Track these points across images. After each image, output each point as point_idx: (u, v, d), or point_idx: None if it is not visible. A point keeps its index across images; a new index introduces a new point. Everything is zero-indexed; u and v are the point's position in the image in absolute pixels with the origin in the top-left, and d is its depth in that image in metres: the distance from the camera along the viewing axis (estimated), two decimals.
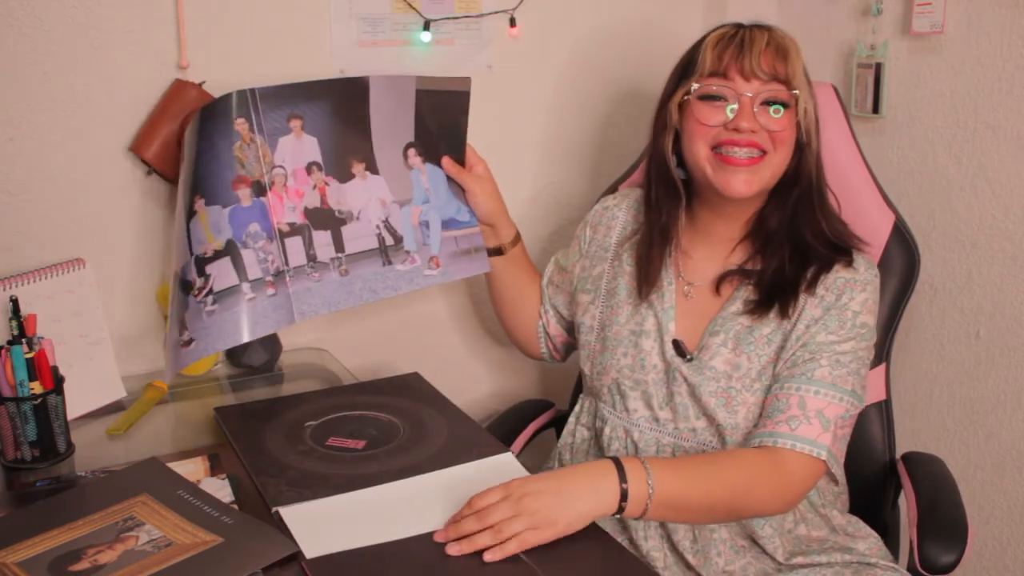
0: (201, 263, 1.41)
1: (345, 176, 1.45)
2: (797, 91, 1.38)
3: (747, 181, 1.39)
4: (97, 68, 1.64)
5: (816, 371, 1.36)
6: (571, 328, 1.69)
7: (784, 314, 1.40)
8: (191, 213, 1.42)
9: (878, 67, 1.90)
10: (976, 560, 1.88)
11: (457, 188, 1.62)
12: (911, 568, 1.44)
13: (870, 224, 1.69)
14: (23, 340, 1.41)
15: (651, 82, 1.49)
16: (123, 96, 1.67)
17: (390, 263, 1.46)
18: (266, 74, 1.78)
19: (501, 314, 1.77)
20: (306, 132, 1.40)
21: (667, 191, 1.50)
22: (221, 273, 1.42)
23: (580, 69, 2.08)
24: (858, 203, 1.70)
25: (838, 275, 1.40)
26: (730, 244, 1.49)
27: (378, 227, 1.47)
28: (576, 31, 2.06)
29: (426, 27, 1.89)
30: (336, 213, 1.46)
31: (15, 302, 1.43)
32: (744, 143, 1.38)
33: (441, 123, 1.57)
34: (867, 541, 1.49)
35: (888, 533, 1.66)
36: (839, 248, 1.43)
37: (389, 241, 1.47)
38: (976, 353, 1.83)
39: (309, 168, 1.44)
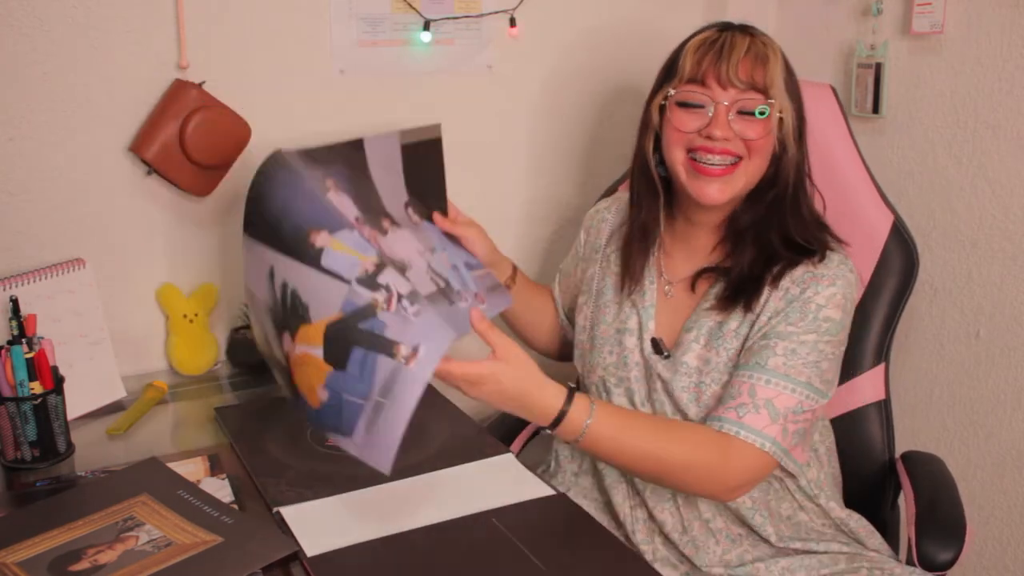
0: (368, 281, 1.21)
1: (382, 230, 1.35)
2: (773, 100, 1.37)
3: (720, 190, 1.40)
4: (97, 68, 1.64)
5: (770, 359, 1.35)
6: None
7: (748, 308, 1.40)
8: (316, 253, 1.21)
9: (878, 67, 1.90)
10: (976, 560, 1.88)
11: (452, 237, 1.54)
12: (909, 565, 1.44)
13: (869, 224, 1.69)
14: (23, 340, 1.41)
15: (650, 82, 1.49)
16: (123, 96, 1.67)
17: (452, 303, 1.35)
18: (266, 74, 1.78)
19: (529, 338, 1.79)
20: (340, 191, 1.32)
21: (647, 189, 1.51)
22: (396, 281, 1.22)
23: (580, 69, 2.08)
24: (856, 203, 1.70)
25: (806, 270, 1.40)
26: (707, 244, 1.50)
27: (428, 272, 1.36)
28: (576, 31, 2.06)
29: (426, 27, 1.89)
30: (395, 261, 1.32)
31: (15, 302, 1.43)
32: (718, 151, 1.38)
33: (424, 177, 1.51)
34: (869, 536, 1.50)
35: (888, 532, 1.66)
36: (806, 248, 1.42)
37: (441, 284, 1.37)
38: (976, 353, 1.83)
39: (357, 221, 1.31)
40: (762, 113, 1.37)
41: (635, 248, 1.53)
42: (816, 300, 1.37)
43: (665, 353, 1.46)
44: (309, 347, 1.17)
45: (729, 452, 1.32)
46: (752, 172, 1.40)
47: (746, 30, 1.41)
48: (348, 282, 1.18)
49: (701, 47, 1.40)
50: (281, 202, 1.23)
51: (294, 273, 1.21)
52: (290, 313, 1.20)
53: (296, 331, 1.19)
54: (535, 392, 1.28)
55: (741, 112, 1.37)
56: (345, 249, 1.20)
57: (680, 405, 1.43)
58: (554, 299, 1.76)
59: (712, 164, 1.38)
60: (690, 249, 1.51)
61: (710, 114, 1.37)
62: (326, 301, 1.19)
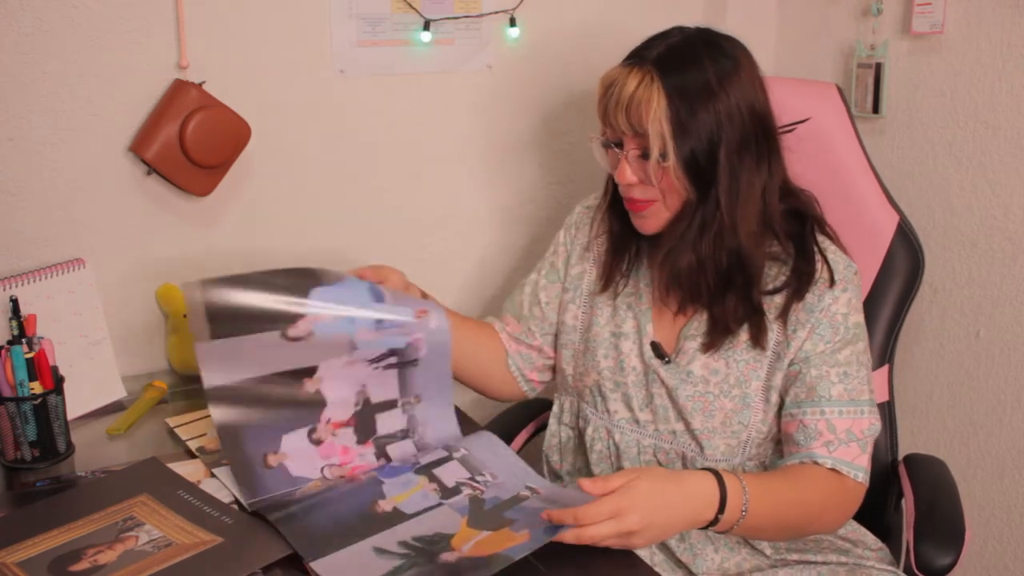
0: (452, 493, 1.32)
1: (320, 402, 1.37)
2: (649, 146, 1.32)
3: (647, 224, 1.40)
4: (97, 68, 1.64)
5: (832, 390, 1.36)
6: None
7: (759, 344, 1.39)
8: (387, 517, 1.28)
9: (878, 67, 1.90)
10: (976, 560, 1.88)
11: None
12: (907, 570, 1.44)
13: (874, 225, 1.69)
14: (23, 340, 1.41)
15: None
16: (123, 96, 1.67)
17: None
18: (266, 74, 1.78)
19: (467, 377, 1.64)
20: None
21: (613, 203, 1.50)
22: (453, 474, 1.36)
23: (580, 69, 2.08)
24: (862, 203, 1.70)
25: (820, 279, 1.39)
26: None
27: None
28: (576, 31, 2.06)
29: (426, 27, 1.89)
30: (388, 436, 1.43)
31: (15, 302, 1.43)
32: (630, 196, 1.39)
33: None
34: (867, 544, 1.50)
35: (891, 536, 1.66)
36: (810, 269, 1.39)
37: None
38: (976, 353, 1.83)
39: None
40: (655, 157, 1.33)
41: (613, 258, 1.52)
42: (839, 310, 1.38)
43: (667, 358, 1.46)
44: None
45: (843, 488, 1.35)
46: (670, 209, 1.38)
47: (644, 62, 1.35)
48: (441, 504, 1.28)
49: (603, 89, 1.39)
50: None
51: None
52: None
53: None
54: (682, 492, 1.22)
55: (641, 155, 1.35)
56: (405, 495, 1.28)
57: (684, 413, 1.43)
58: (502, 341, 1.65)
59: (633, 203, 1.40)
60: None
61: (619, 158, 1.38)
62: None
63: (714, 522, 1.23)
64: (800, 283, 1.38)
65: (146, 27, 1.66)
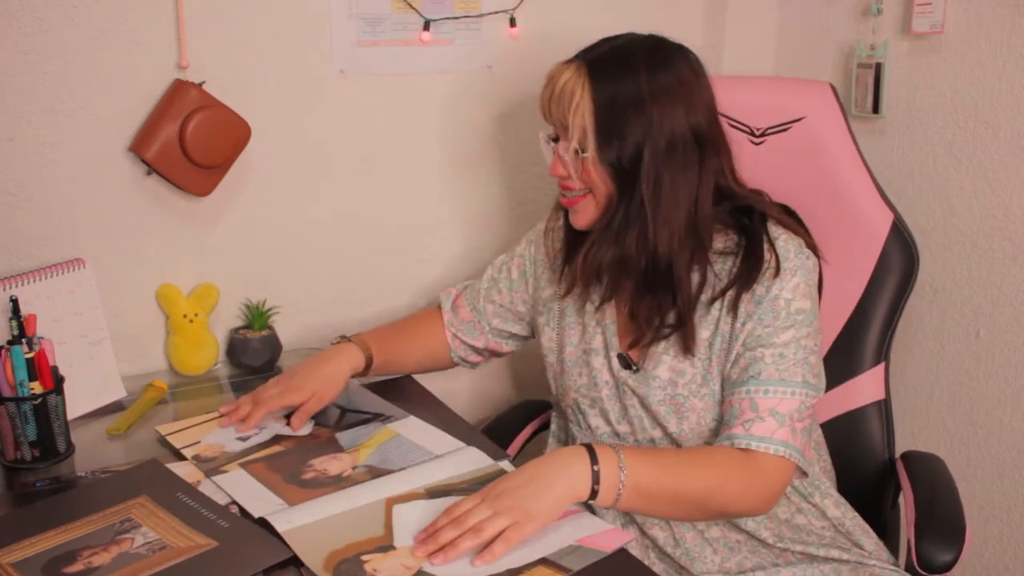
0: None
1: None
2: (569, 141, 1.37)
3: (578, 219, 1.43)
4: (97, 68, 1.64)
5: (762, 371, 1.35)
6: (516, 334, 1.69)
7: (687, 350, 1.40)
8: None
9: (878, 67, 1.89)
10: (976, 560, 1.88)
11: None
12: (909, 567, 1.44)
13: (868, 223, 1.69)
14: (23, 340, 1.41)
15: None
16: (123, 96, 1.67)
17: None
18: (266, 74, 1.78)
19: (432, 368, 1.75)
20: None
21: (555, 208, 1.54)
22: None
23: None
24: (856, 202, 1.70)
25: (769, 267, 1.38)
26: None
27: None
28: (576, 31, 2.05)
29: (426, 27, 1.89)
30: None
31: (15, 302, 1.44)
32: (564, 187, 1.42)
33: None
34: (868, 539, 1.50)
35: (888, 532, 1.66)
36: (756, 259, 1.39)
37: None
38: (976, 353, 1.83)
39: None
40: (573, 147, 1.37)
41: (566, 256, 1.52)
42: (783, 295, 1.36)
43: (634, 367, 1.46)
44: None
45: (752, 464, 1.32)
46: (599, 202, 1.39)
47: (581, 60, 1.40)
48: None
49: (544, 82, 1.44)
50: None
51: None
52: None
53: None
54: (546, 459, 1.28)
55: (575, 149, 1.37)
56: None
57: (659, 419, 1.43)
58: (443, 319, 1.71)
59: (567, 197, 1.42)
60: None
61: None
62: None
63: (594, 495, 1.24)
64: (749, 274, 1.38)
65: (146, 27, 1.66)
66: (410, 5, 1.87)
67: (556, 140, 1.43)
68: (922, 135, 1.86)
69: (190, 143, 1.65)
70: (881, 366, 1.72)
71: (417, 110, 1.94)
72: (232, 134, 1.70)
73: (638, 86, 1.33)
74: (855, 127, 1.76)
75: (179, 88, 1.67)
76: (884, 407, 1.72)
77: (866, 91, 1.92)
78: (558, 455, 1.27)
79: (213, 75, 1.71)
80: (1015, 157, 1.70)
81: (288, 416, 1.53)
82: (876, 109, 1.91)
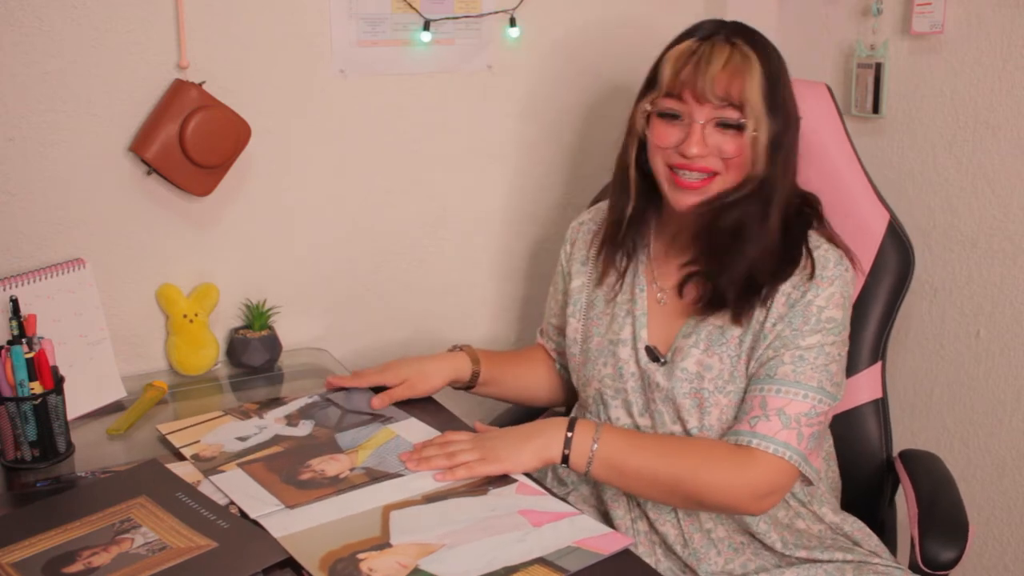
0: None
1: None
2: (746, 118, 1.35)
3: (695, 200, 1.40)
4: (97, 68, 1.65)
5: (778, 369, 1.35)
6: None
7: (736, 320, 1.40)
8: None
9: (878, 67, 1.89)
10: (976, 560, 1.88)
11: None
12: (912, 565, 1.44)
13: (864, 224, 1.69)
14: (23, 340, 1.41)
15: None
16: (123, 96, 1.67)
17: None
18: (266, 74, 1.78)
19: (529, 402, 1.79)
20: None
21: (622, 190, 1.50)
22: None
23: (580, 69, 2.08)
24: (852, 202, 1.70)
25: (801, 277, 1.39)
26: (690, 247, 1.47)
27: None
28: (577, 31, 2.06)
29: (426, 27, 1.89)
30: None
31: (15, 302, 1.44)
32: (695, 168, 1.38)
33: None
34: (868, 540, 1.50)
35: (885, 530, 1.66)
36: (791, 258, 1.41)
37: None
38: (976, 353, 1.83)
39: None
40: (739, 128, 1.36)
41: (606, 247, 1.52)
42: (816, 302, 1.37)
43: (662, 360, 1.46)
44: None
45: (747, 463, 1.32)
46: (728, 184, 1.39)
47: (732, 35, 1.39)
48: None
49: (680, 58, 1.39)
50: None
51: None
52: None
53: None
54: (535, 423, 1.41)
55: (720, 125, 1.36)
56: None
57: (681, 413, 1.42)
58: (548, 352, 1.74)
59: (689, 179, 1.39)
60: (676, 254, 1.50)
61: (687, 128, 1.38)
62: None
63: (565, 459, 1.35)
64: (782, 272, 1.39)
65: (146, 27, 1.67)
66: (410, 5, 1.87)
67: (677, 117, 1.39)
68: (922, 135, 1.86)
69: (190, 143, 1.65)
70: (877, 365, 1.72)
71: (417, 110, 1.94)
72: (232, 134, 1.70)
73: (781, 62, 1.42)
74: (855, 127, 1.76)
75: (179, 88, 1.67)
76: (881, 406, 1.72)
77: (866, 91, 1.92)
78: (545, 420, 1.41)
79: (213, 75, 1.71)
80: (1015, 157, 1.70)
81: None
82: (876, 109, 1.91)
